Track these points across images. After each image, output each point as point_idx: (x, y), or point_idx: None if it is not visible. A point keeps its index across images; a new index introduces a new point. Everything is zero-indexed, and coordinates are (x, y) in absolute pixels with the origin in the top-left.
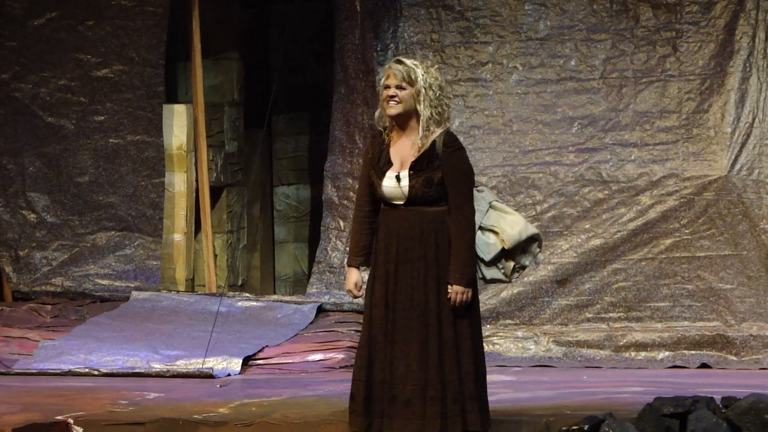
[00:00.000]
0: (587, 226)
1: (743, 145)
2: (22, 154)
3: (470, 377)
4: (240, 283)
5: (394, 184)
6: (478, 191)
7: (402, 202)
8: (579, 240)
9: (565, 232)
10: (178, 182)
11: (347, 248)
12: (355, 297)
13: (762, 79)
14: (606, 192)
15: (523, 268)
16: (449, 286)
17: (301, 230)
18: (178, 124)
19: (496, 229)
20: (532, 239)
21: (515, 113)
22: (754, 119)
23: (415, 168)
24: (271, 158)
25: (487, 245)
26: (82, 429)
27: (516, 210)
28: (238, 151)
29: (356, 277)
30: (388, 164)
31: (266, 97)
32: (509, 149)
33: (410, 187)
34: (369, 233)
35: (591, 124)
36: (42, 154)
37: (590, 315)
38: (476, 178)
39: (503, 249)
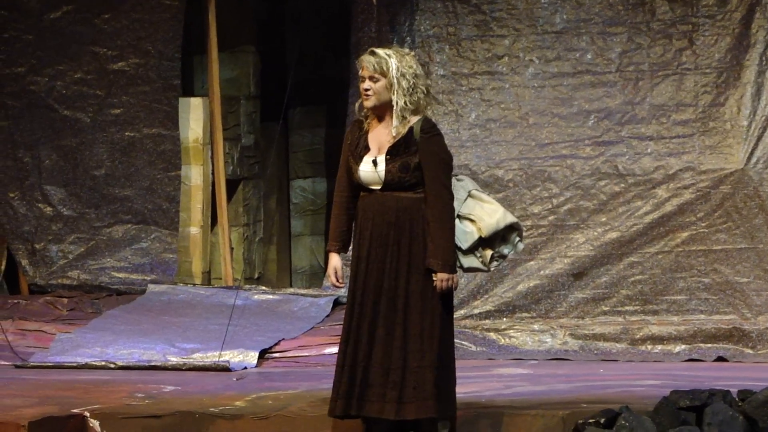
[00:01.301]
0: (603, 219)
1: (759, 138)
2: (39, 147)
3: (435, 365)
4: (256, 276)
5: (371, 168)
6: (458, 180)
7: (379, 187)
8: (595, 233)
9: (582, 226)
10: (194, 175)
11: None
12: (336, 286)
13: None
14: (622, 185)
15: (503, 257)
16: (433, 275)
17: (318, 223)
18: (194, 118)
19: (473, 217)
20: (512, 228)
21: (531, 106)
22: None
23: (392, 153)
24: (288, 151)
25: (464, 233)
26: (98, 422)
27: (532, 203)
28: (254, 144)
29: (335, 262)
30: (366, 149)
31: (282, 90)
32: (525, 142)
33: (387, 171)
34: (348, 219)
35: (607, 118)
36: (58, 147)
37: (606, 308)
38: (492, 171)
39: (480, 237)
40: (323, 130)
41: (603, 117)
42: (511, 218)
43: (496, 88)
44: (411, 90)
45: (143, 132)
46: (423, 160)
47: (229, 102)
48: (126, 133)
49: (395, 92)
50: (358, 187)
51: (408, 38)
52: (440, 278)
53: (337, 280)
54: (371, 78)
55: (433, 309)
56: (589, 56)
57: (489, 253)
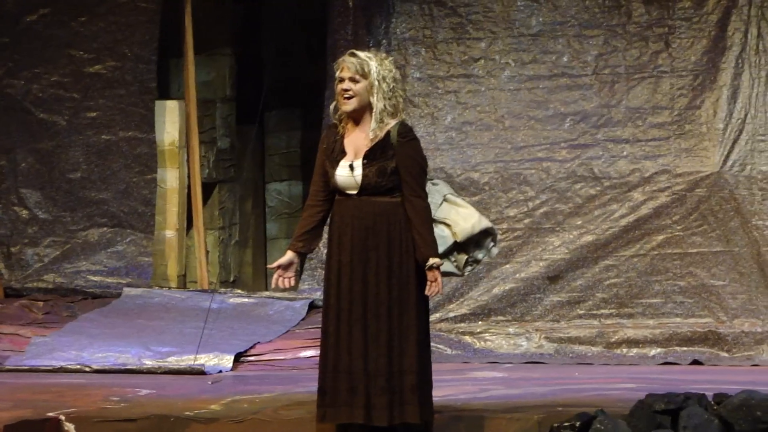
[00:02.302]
0: (579, 222)
1: (735, 141)
2: (15, 150)
3: (413, 369)
4: (232, 279)
5: (348, 173)
6: (433, 184)
7: (355, 192)
8: (571, 236)
9: (557, 229)
10: (170, 178)
11: None
12: (276, 282)
13: (754, 75)
14: (598, 188)
15: (477, 261)
16: (428, 272)
17: (293, 226)
18: (170, 120)
19: (448, 222)
20: (486, 233)
21: (507, 109)
22: (746, 115)
23: (369, 157)
24: (264, 154)
25: (439, 238)
26: (73, 425)
27: (508, 206)
28: (230, 148)
29: (286, 258)
30: (342, 153)
31: (258, 93)
32: (501, 145)
33: (363, 176)
34: (315, 221)
35: (583, 120)
36: (34, 150)
37: (582, 311)
38: (468, 174)
39: (455, 242)
40: (299, 133)
41: (579, 120)
42: (486, 223)
43: (472, 90)
44: (390, 93)
45: (119, 135)
46: (400, 164)
47: (205, 105)
48: (102, 136)
49: (375, 94)
50: (334, 192)
51: (384, 41)
52: (435, 275)
53: (279, 278)
54: (351, 79)
55: (410, 313)
56: (565, 59)
57: (463, 257)
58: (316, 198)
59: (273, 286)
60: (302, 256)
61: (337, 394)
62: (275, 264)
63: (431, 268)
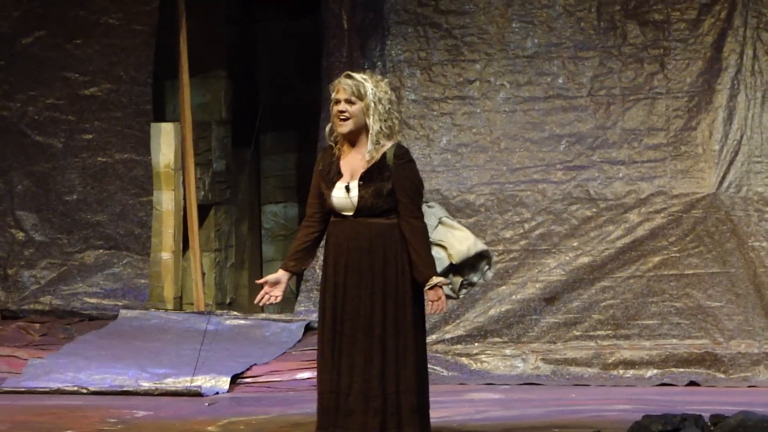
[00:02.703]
0: (575, 243)
1: (731, 162)
2: (11, 173)
3: (411, 390)
4: (228, 301)
5: (344, 194)
6: (429, 206)
7: (351, 213)
8: (567, 258)
9: (553, 250)
10: (166, 200)
11: None
12: (260, 298)
13: (750, 96)
14: (594, 210)
15: (472, 285)
16: (428, 291)
17: (289, 248)
18: (165, 143)
19: (444, 244)
20: (481, 256)
21: (503, 131)
22: (742, 136)
23: (365, 179)
24: (259, 176)
25: (435, 260)
26: None
27: (504, 228)
28: (225, 170)
29: (275, 276)
30: (339, 175)
31: (254, 115)
32: (497, 167)
33: (359, 197)
34: (309, 242)
35: (579, 142)
36: (30, 172)
37: (578, 333)
38: (464, 196)
39: (451, 264)
40: (295, 156)
41: (574, 141)
42: (481, 246)
43: (467, 112)
44: (387, 115)
45: (115, 157)
46: (397, 186)
47: (200, 127)
48: (98, 159)
49: (371, 116)
50: (329, 213)
51: (379, 63)
52: (438, 294)
53: (266, 294)
54: (347, 101)
55: (407, 333)
56: (560, 81)
57: (459, 280)
58: (311, 219)
59: (257, 301)
60: (293, 275)
61: (334, 416)
62: (263, 279)
63: (434, 287)
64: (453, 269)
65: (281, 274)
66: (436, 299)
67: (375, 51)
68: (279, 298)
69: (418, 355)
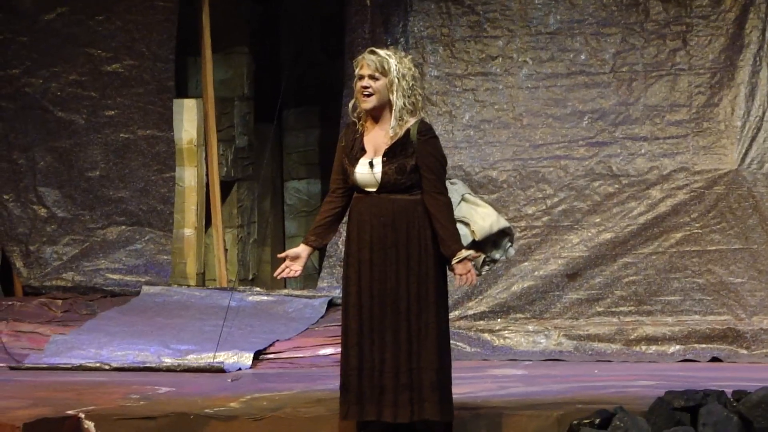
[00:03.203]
0: (597, 220)
1: (753, 138)
2: (33, 149)
3: (432, 367)
4: (251, 277)
5: (368, 170)
6: (451, 183)
7: (375, 189)
8: (589, 234)
9: (576, 227)
10: (188, 177)
11: None
12: (280, 271)
13: None
14: (616, 186)
15: (494, 261)
16: (456, 265)
17: (311, 224)
18: (188, 119)
19: (467, 221)
20: (504, 233)
21: (525, 107)
22: (764, 113)
23: (389, 155)
24: (282, 153)
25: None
26: (93, 423)
27: (526, 204)
28: (248, 146)
29: (296, 250)
30: (362, 151)
31: (276, 91)
32: (519, 143)
33: (383, 173)
34: (331, 217)
35: (601, 118)
36: (53, 148)
37: (601, 309)
38: (486, 172)
39: (474, 240)
40: (317, 132)
41: (597, 118)
42: (504, 223)
43: (489, 89)
44: (410, 91)
45: (137, 133)
46: (421, 162)
47: (223, 103)
48: (120, 135)
49: (395, 92)
50: (352, 189)
51: (402, 39)
52: (467, 267)
53: (286, 268)
54: (371, 77)
55: (429, 310)
56: (582, 57)
57: (481, 257)
58: (334, 194)
59: (276, 274)
60: (314, 250)
61: (361, 392)
62: (284, 254)
63: (462, 260)
64: (475, 245)
65: (302, 249)
66: (465, 272)
67: (397, 27)
68: (299, 273)
69: (440, 331)
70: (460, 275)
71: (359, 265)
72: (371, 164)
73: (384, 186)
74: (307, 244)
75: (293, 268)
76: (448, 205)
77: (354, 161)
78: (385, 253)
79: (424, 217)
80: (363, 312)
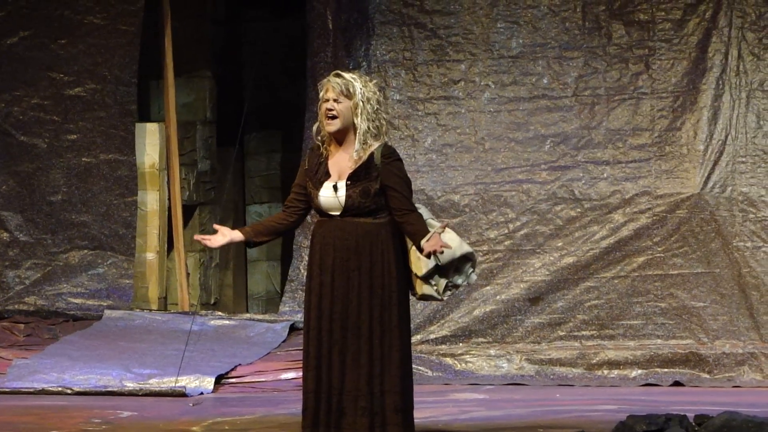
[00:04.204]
0: (560, 244)
1: (716, 162)
2: None
3: (396, 390)
4: (212, 301)
5: (332, 194)
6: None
7: (338, 213)
8: (551, 258)
9: (538, 250)
10: (150, 201)
11: None
12: (200, 238)
13: (735, 96)
14: (578, 210)
15: (456, 287)
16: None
17: (274, 249)
18: (150, 143)
19: None
20: (466, 258)
21: (487, 131)
22: (726, 137)
23: (353, 178)
24: (244, 176)
25: (422, 260)
26: None
27: (488, 228)
28: (210, 170)
29: (228, 230)
30: (326, 175)
31: (239, 115)
32: (482, 167)
33: (347, 197)
34: (276, 225)
35: (563, 142)
36: (15, 172)
37: (563, 333)
38: (448, 196)
39: (437, 265)
40: (279, 156)
41: (559, 142)
42: (467, 248)
43: (452, 112)
44: (375, 115)
45: (100, 157)
46: (387, 183)
47: (185, 127)
48: (82, 159)
49: (359, 115)
50: (305, 211)
51: (364, 63)
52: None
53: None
54: (336, 100)
55: (392, 333)
56: (545, 81)
57: (443, 282)
58: (286, 211)
59: (195, 236)
60: (243, 240)
61: (317, 415)
62: (217, 226)
63: (431, 236)
64: (438, 270)
65: (233, 232)
66: (434, 243)
67: (360, 51)
68: (214, 244)
69: (402, 355)
70: (431, 245)
71: (320, 288)
72: (335, 188)
73: (348, 209)
74: (240, 230)
75: (215, 238)
76: (421, 218)
77: (318, 185)
78: (348, 276)
79: (388, 241)
80: (322, 336)
